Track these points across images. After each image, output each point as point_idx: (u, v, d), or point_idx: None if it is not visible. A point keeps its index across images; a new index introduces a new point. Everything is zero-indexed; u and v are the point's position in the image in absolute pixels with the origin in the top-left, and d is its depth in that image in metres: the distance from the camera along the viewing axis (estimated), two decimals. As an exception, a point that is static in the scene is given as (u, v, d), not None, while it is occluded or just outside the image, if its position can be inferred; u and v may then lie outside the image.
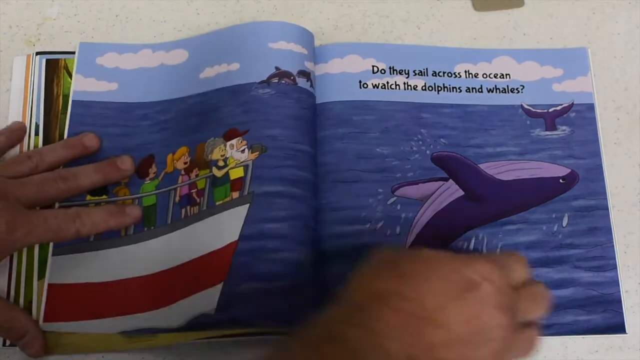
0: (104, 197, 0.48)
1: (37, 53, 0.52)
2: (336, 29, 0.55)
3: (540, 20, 0.56)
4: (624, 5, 0.56)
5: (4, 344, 0.45)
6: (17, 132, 0.49)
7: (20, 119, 0.50)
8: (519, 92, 0.52)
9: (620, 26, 0.56)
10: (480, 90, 0.52)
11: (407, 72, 0.52)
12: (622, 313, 0.46)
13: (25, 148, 0.50)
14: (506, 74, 0.53)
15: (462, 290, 0.34)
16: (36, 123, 0.50)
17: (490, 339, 0.34)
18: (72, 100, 0.50)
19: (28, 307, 0.45)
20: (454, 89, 0.52)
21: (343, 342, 0.33)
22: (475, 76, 0.53)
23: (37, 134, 0.50)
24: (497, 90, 0.52)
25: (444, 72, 0.53)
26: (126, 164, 0.48)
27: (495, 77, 0.53)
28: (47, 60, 0.52)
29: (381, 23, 0.55)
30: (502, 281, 0.36)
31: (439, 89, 0.52)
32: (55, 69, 0.52)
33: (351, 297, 0.36)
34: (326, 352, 0.33)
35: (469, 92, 0.52)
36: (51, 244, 0.46)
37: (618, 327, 0.46)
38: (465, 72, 0.53)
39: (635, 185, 0.51)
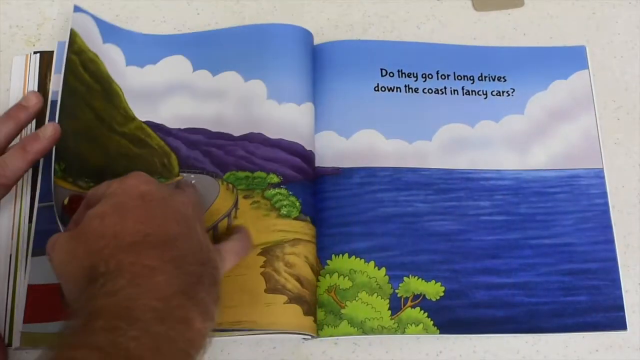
0: None
1: (35, 52, 0.52)
2: (336, 29, 0.55)
3: (540, 20, 0.56)
4: (624, 5, 0.57)
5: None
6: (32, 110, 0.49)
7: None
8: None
9: (620, 26, 0.56)
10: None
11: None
12: (623, 309, 0.47)
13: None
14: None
15: (143, 201, 0.38)
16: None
17: (189, 220, 0.39)
18: (51, 101, 0.50)
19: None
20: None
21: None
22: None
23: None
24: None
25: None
26: (30, 100, 0.48)
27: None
28: (41, 55, 0.52)
29: (381, 23, 0.55)
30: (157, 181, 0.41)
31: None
32: (49, 63, 0.51)
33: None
34: None
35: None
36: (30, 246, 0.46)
37: (618, 324, 0.46)
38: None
39: (635, 185, 0.51)
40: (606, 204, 0.50)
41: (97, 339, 0.32)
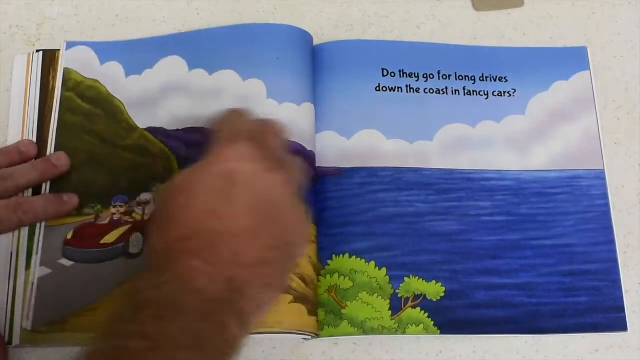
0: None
1: (38, 50, 0.52)
2: (336, 29, 0.55)
3: (540, 20, 0.56)
4: (624, 5, 0.57)
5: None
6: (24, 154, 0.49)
7: (20, 118, 0.50)
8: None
9: (620, 26, 0.56)
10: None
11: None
12: (623, 310, 0.47)
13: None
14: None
15: (225, 182, 0.36)
16: (34, 119, 0.50)
17: (276, 205, 0.37)
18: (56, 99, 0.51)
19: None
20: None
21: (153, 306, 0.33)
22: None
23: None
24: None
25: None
26: (61, 159, 0.48)
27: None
28: (44, 53, 0.52)
29: (381, 23, 0.55)
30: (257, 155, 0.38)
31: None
32: (52, 61, 0.52)
33: (150, 259, 0.37)
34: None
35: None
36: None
37: (619, 325, 0.46)
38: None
39: (635, 185, 0.51)
40: (607, 205, 0.50)
41: (145, 327, 0.32)
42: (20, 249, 0.47)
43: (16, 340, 0.44)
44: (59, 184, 0.48)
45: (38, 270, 0.46)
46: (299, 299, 0.44)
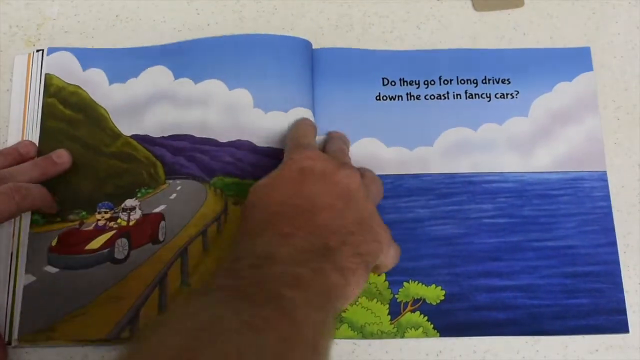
0: None
1: (38, 50, 0.52)
2: (336, 29, 0.55)
3: (540, 20, 0.56)
4: (624, 5, 0.56)
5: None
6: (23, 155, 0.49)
7: (20, 119, 0.50)
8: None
9: (620, 26, 0.56)
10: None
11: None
12: (625, 312, 0.47)
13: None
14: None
15: (301, 175, 0.40)
16: (34, 119, 0.50)
17: (353, 199, 0.40)
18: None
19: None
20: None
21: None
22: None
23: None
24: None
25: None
26: (62, 157, 0.48)
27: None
28: (44, 53, 0.52)
29: (381, 23, 0.55)
30: (321, 154, 0.42)
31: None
32: None
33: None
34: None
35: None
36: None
37: (621, 327, 0.46)
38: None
39: (635, 185, 0.51)
40: (609, 206, 0.50)
41: (243, 274, 0.35)
42: (20, 250, 0.47)
43: (15, 340, 0.44)
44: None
45: (23, 278, 0.46)
46: None
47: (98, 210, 0.48)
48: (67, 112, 0.50)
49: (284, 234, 0.38)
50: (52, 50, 0.52)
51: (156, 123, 0.50)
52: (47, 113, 0.50)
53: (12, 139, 0.50)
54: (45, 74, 0.51)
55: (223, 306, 0.32)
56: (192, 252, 0.47)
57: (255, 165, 0.48)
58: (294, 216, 0.39)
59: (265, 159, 0.48)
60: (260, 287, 0.34)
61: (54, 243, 0.47)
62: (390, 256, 0.43)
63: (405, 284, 0.47)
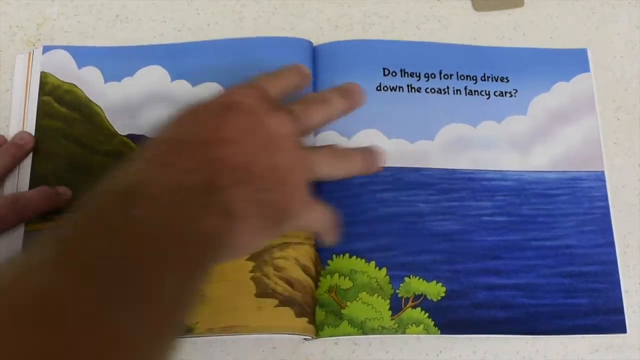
0: None
1: (37, 48, 0.52)
2: (336, 29, 0.55)
3: (540, 20, 0.56)
4: (624, 5, 0.57)
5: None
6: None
7: (21, 118, 0.50)
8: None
9: (620, 26, 0.56)
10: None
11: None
12: (623, 312, 0.47)
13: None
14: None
15: (224, 109, 0.36)
16: (35, 119, 0.50)
17: (275, 144, 0.36)
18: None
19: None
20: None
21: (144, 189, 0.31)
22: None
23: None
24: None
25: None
26: (25, 138, 0.48)
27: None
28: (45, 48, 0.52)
29: (381, 23, 0.55)
30: (264, 94, 0.38)
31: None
32: None
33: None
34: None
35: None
36: None
37: (618, 327, 0.46)
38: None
39: (635, 185, 0.51)
40: (607, 206, 0.50)
41: (90, 216, 0.31)
42: (15, 248, 0.47)
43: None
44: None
45: None
46: (284, 302, 0.45)
47: None
48: (62, 111, 0.50)
49: (161, 163, 0.33)
50: (47, 49, 0.52)
51: (152, 123, 0.50)
52: (43, 111, 0.50)
53: (13, 139, 0.50)
54: (41, 72, 0.51)
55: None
56: None
57: None
58: (182, 145, 0.34)
59: None
60: (102, 242, 0.28)
61: None
62: (314, 218, 0.40)
63: (406, 279, 0.47)
